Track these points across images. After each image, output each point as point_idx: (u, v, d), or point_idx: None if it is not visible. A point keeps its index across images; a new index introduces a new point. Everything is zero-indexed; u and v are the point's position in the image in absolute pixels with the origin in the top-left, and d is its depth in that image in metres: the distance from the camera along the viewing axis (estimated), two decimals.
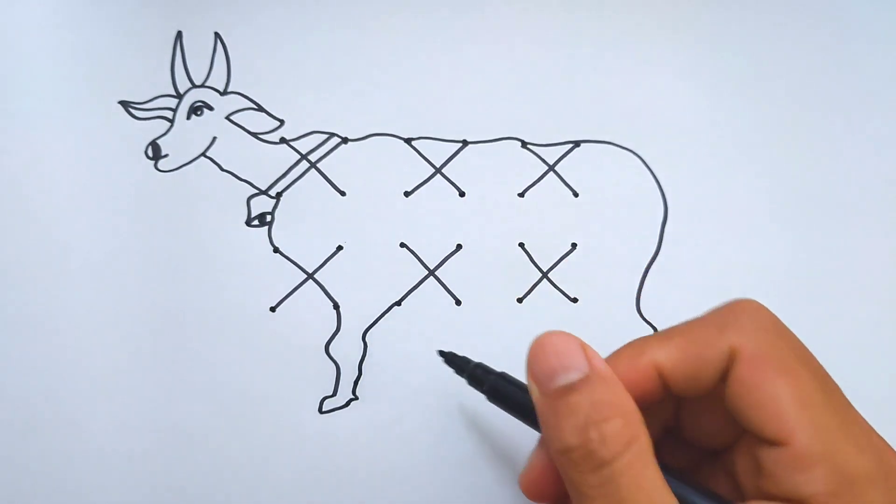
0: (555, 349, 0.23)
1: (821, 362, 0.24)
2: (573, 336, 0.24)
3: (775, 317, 0.24)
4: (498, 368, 0.28)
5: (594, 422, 0.22)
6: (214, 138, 0.36)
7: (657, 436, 0.26)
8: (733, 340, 0.22)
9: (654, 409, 0.25)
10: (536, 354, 0.24)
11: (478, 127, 0.37)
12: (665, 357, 0.23)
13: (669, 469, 0.23)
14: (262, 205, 0.36)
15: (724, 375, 0.23)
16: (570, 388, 0.23)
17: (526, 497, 0.26)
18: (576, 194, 0.36)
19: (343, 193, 0.36)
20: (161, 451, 0.33)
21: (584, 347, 0.23)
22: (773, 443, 0.21)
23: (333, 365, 0.34)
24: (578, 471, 0.22)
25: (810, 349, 0.23)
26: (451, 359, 0.30)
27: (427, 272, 0.35)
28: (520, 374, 0.26)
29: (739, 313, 0.23)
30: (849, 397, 0.22)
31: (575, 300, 0.35)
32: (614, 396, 0.23)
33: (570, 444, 0.22)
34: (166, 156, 0.36)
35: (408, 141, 0.36)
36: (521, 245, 0.35)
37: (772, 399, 0.21)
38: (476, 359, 0.29)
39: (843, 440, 0.21)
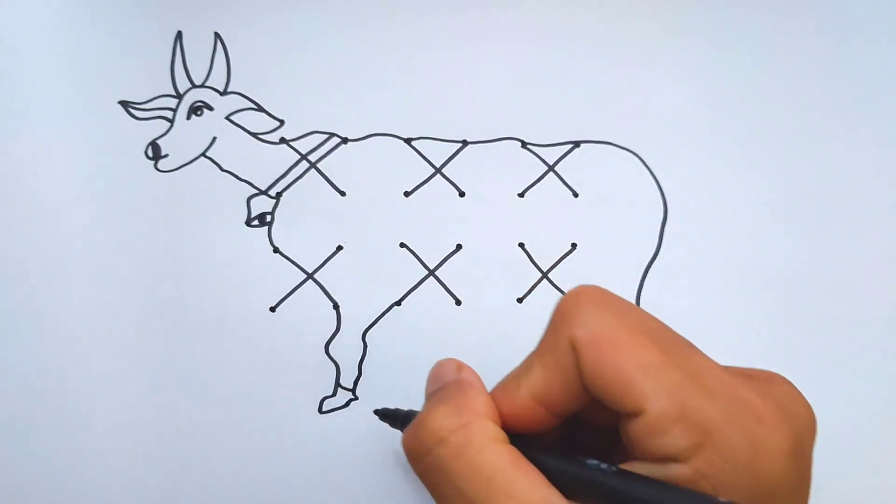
0: (435, 369, 0.27)
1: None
2: (457, 360, 0.27)
3: (603, 293, 0.24)
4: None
5: (423, 413, 0.24)
6: (214, 138, 0.36)
7: (563, 428, 0.27)
8: (568, 334, 0.23)
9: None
10: (428, 377, 0.27)
11: (478, 127, 0.37)
12: (535, 383, 0.24)
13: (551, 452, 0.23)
14: (262, 205, 0.36)
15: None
16: (430, 396, 0.26)
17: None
18: (576, 194, 0.36)
19: (343, 193, 0.36)
20: (160, 451, 0.33)
21: (460, 365, 0.26)
22: (632, 415, 0.22)
23: (333, 365, 0.34)
24: (415, 465, 0.24)
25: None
26: (384, 414, 0.31)
27: (427, 272, 0.35)
28: None
29: (567, 305, 0.24)
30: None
31: None
32: (454, 392, 0.24)
33: (403, 441, 0.24)
34: (166, 156, 0.36)
35: (408, 141, 0.36)
36: (521, 245, 0.35)
37: (613, 375, 0.22)
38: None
39: (692, 393, 0.21)
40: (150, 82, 0.37)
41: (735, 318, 0.35)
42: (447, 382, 0.25)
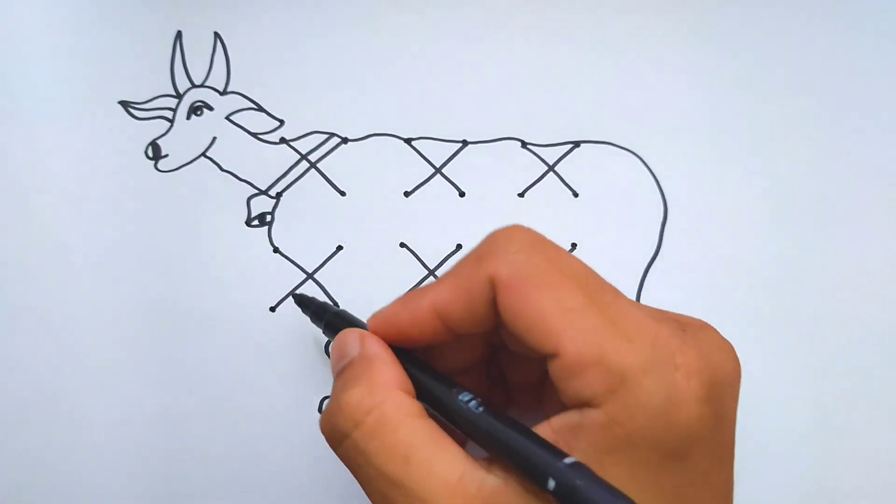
0: (338, 343, 0.26)
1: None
2: (359, 329, 0.26)
3: (535, 235, 0.24)
4: None
5: (336, 395, 0.23)
6: (214, 138, 0.36)
7: (484, 354, 0.27)
8: (490, 269, 0.23)
9: (474, 334, 0.25)
10: (331, 351, 0.26)
11: (478, 127, 0.37)
12: (439, 298, 0.24)
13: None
14: (262, 205, 0.36)
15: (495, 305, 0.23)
16: (338, 374, 0.25)
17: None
18: (576, 194, 0.36)
19: (343, 193, 0.36)
20: (160, 451, 0.33)
21: (362, 336, 0.25)
22: (549, 356, 0.21)
23: None
24: (335, 450, 0.23)
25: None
26: (300, 300, 0.31)
27: (427, 272, 0.35)
28: None
29: (496, 242, 0.24)
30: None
31: None
32: (363, 369, 0.24)
33: (321, 426, 0.24)
34: (166, 156, 0.36)
35: (408, 141, 0.36)
36: None
37: (533, 315, 0.22)
38: None
39: (611, 337, 0.21)
40: (150, 82, 0.37)
41: (735, 318, 0.35)
42: (353, 358, 0.25)
